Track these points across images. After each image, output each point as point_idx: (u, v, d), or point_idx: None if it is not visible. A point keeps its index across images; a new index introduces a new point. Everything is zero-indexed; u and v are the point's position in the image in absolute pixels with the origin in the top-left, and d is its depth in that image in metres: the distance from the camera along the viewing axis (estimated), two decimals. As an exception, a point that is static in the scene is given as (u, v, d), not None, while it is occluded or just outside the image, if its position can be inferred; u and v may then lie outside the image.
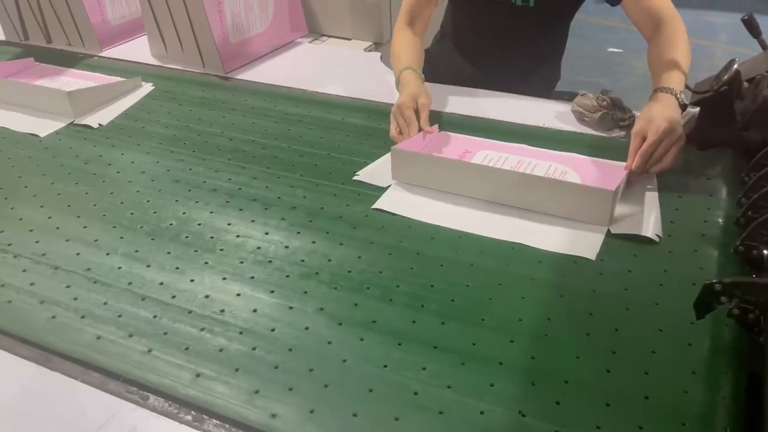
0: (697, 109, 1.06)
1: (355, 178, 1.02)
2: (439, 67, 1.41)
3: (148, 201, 0.98)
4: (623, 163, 0.97)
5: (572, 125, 1.14)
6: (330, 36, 1.67)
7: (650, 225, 0.88)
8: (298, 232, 0.90)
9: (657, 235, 0.86)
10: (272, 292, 0.80)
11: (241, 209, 0.95)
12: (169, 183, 1.02)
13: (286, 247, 0.88)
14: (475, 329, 0.74)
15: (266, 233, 0.90)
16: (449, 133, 1.12)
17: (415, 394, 0.66)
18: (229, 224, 0.92)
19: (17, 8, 1.59)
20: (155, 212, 0.95)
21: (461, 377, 0.68)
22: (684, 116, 1.01)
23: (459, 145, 1.08)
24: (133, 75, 1.37)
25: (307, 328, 0.75)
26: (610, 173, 0.97)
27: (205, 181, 1.02)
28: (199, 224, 0.92)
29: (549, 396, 0.65)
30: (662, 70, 1.04)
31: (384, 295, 0.79)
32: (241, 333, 0.74)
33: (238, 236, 0.89)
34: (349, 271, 0.83)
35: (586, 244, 0.86)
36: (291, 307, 0.78)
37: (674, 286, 0.78)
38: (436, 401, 0.65)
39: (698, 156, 1.02)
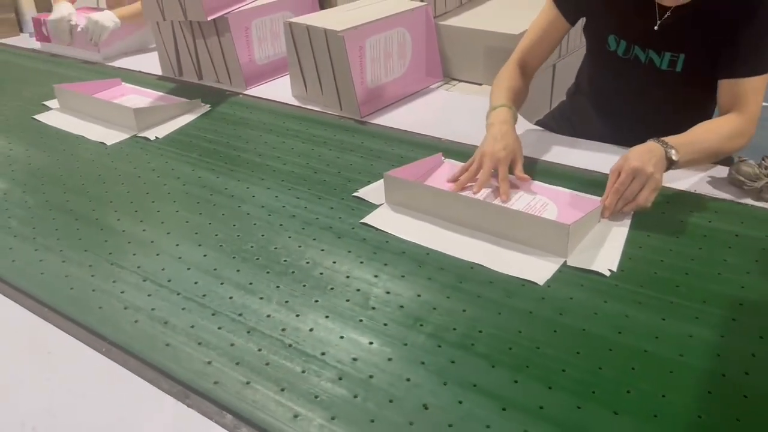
0: None
1: (355, 194, 1.14)
2: (574, 122, 1.42)
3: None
4: (594, 198, 1.02)
5: (729, 193, 1.08)
6: (461, 80, 1.71)
7: (604, 260, 0.92)
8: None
9: (609, 270, 0.90)
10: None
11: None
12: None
13: (276, 248, 1.00)
14: (408, 331, 0.82)
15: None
16: (453, 162, 1.21)
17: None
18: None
19: (175, 47, 1.76)
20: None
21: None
22: None
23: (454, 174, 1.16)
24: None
25: (269, 316, 0.86)
26: (585, 208, 1.02)
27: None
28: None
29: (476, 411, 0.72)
30: (682, 134, 1.06)
31: (342, 293, 0.89)
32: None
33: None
34: (321, 273, 0.94)
35: (538, 270, 0.91)
36: (261, 298, 0.90)
37: (609, 315, 0.83)
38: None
39: None
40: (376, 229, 1.04)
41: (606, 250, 0.95)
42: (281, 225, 1.06)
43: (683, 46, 1.15)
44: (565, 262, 0.93)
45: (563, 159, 1.22)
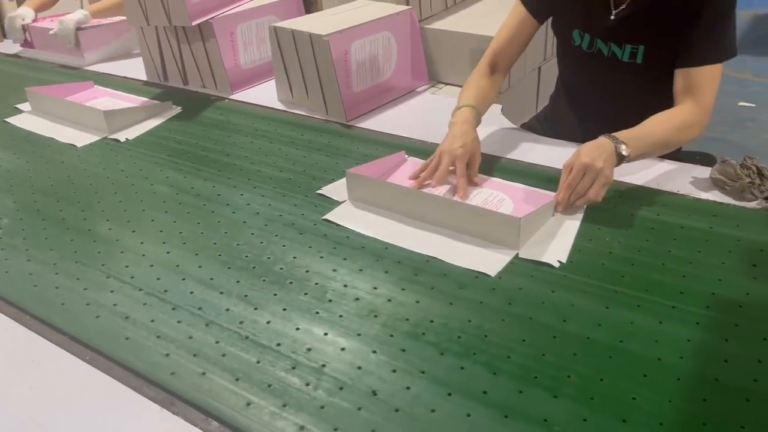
0: None
1: (319, 191, 1.16)
2: (555, 123, 1.45)
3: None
4: (548, 193, 1.06)
5: (711, 194, 1.09)
6: (447, 83, 1.72)
7: (555, 252, 0.95)
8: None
9: (559, 261, 0.94)
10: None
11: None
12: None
13: (238, 244, 1.03)
14: (362, 322, 0.85)
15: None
16: (416, 159, 1.24)
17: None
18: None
19: (160, 52, 1.75)
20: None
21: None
22: None
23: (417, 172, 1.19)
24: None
25: (228, 309, 0.88)
26: (539, 203, 1.05)
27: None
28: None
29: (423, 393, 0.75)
30: (634, 128, 1.08)
31: (300, 287, 0.92)
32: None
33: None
34: (281, 268, 0.96)
35: (490, 262, 0.94)
36: (222, 292, 0.92)
37: (555, 304, 0.86)
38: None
39: None
40: (338, 225, 1.06)
41: (557, 243, 0.98)
42: (245, 222, 1.09)
43: (642, 38, 1.18)
44: (518, 254, 0.96)
45: (523, 156, 1.26)
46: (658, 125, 1.11)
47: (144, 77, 1.84)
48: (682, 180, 1.13)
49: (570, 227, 1.01)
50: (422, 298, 0.89)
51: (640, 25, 1.17)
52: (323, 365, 0.78)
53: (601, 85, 1.29)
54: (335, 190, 1.16)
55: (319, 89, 1.49)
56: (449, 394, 0.73)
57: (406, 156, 1.24)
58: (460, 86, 1.64)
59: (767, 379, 0.72)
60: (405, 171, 1.20)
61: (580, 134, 1.30)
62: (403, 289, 0.91)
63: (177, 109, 1.58)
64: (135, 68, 1.88)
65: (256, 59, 1.75)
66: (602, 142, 1.05)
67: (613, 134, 1.06)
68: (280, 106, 1.58)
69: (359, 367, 0.78)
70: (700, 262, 0.92)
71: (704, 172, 1.14)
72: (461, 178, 1.11)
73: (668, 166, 1.18)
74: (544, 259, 0.94)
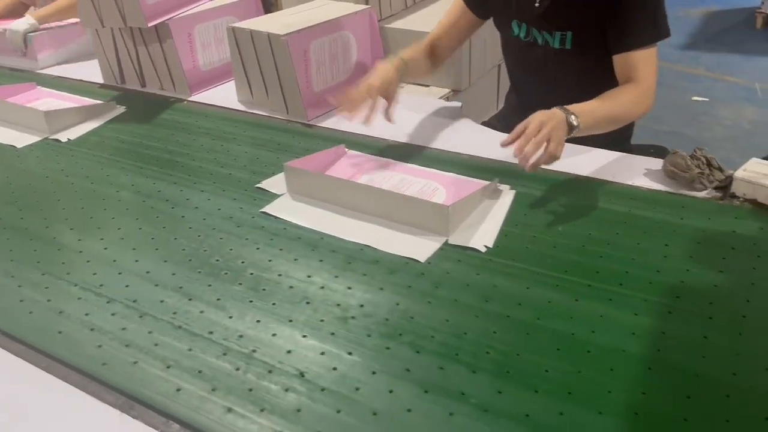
0: None
1: (258, 185, 1.18)
2: (511, 121, 1.45)
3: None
4: (486, 182, 1.10)
5: (663, 184, 1.11)
6: (409, 83, 1.72)
7: (482, 237, 0.99)
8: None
9: (485, 246, 0.98)
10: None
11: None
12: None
13: (176, 238, 1.04)
14: (294, 309, 0.88)
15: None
16: (359, 153, 1.27)
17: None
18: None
19: (116, 54, 1.72)
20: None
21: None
22: None
23: (356, 164, 1.23)
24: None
25: (162, 301, 0.90)
26: (470, 191, 1.09)
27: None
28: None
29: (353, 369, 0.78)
30: (584, 103, 1.12)
31: (235, 278, 0.94)
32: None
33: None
34: (217, 260, 0.98)
35: (421, 249, 0.98)
36: (157, 285, 0.93)
37: (479, 285, 0.90)
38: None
39: None
40: (276, 217, 1.09)
41: (485, 229, 1.02)
42: (183, 216, 1.10)
43: (568, 24, 1.24)
44: (447, 240, 1.00)
45: (467, 149, 1.28)
46: (606, 101, 1.16)
47: (101, 80, 1.81)
48: (635, 172, 1.16)
49: (498, 213, 1.06)
50: (354, 285, 0.92)
51: (564, 11, 1.23)
52: (254, 350, 0.81)
53: (541, 75, 1.34)
54: (274, 183, 1.19)
55: (279, 89, 1.49)
56: (374, 373, 0.76)
57: (346, 149, 1.28)
58: (421, 85, 1.69)
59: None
60: (344, 164, 1.23)
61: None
62: (336, 276, 0.94)
63: (121, 109, 1.58)
64: (92, 71, 1.85)
65: (215, 60, 1.73)
66: (554, 111, 1.08)
67: (564, 106, 1.10)
68: (240, 107, 1.57)
69: (289, 351, 0.80)
70: (637, 247, 0.96)
71: (657, 164, 1.17)
72: (372, 111, 1.17)
73: (622, 158, 1.21)
74: (471, 244, 0.98)
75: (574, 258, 0.94)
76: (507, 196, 1.10)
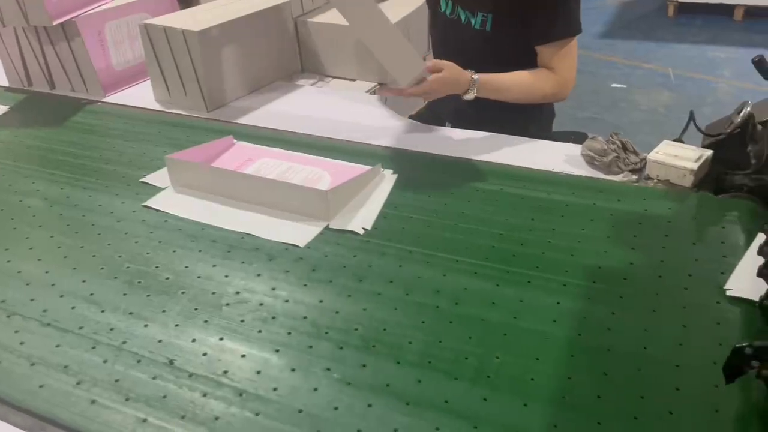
0: (710, 152, 1.06)
1: (142, 180, 1.17)
2: (435, 108, 1.50)
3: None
4: (367, 167, 1.13)
5: (582, 169, 1.14)
6: (334, 77, 1.71)
7: (361, 221, 1.02)
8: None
9: (364, 228, 1.01)
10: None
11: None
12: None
13: (52, 236, 1.02)
14: (169, 299, 0.88)
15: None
16: (245, 143, 1.27)
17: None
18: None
19: (21, 55, 1.61)
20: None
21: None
22: (698, 159, 1.05)
23: (244, 154, 1.23)
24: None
25: (33, 300, 0.88)
26: (353, 176, 1.11)
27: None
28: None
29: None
30: (498, 78, 1.23)
31: (111, 272, 0.93)
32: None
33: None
34: (94, 255, 0.97)
35: (301, 234, 1.00)
36: (29, 284, 0.92)
37: (355, 266, 0.93)
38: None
39: (714, 201, 1.03)
40: (157, 210, 1.08)
41: (364, 212, 1.05)
42: (61, 215, 1.08)
43: (490, 6, 1.27)
44: (329, 225, 1.02)
45: (345, 136, 1.32)
46: (519, 84, 1.23)
47: (6, 83, 1.70)
48: (556, 158, 1.18)
49: (378, 197, 1.09)
50: (231, 273, 0.93)
51: None
52: (124, 342, 0.81)
53: (461, 55, 1.28)
54: (159, 177, 1.18)
55: (197, 87, 1.44)
56: (243, 356, 0.78)
57: (234, 140, 1.28)
58: (347, 79, 1.66)
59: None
60: (232, 154, 1.23)
61: (452, 112, 1.39)
62: (214, 266, 0.95)
63: (4, 108, 1.52)
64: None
65: (129, 59, 1.64)
66: (461, 80, 1.17)
67: (476, 77, 1.19)
68: (157, 106, 1.51)
69: (160, 341, 0.81)
70: (553, 232, 0.98)
71: (577, 150, 1.19)
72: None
73: (544, 145, 1.24)
74: (350, 228, 1.01)
75: (447, 235, 0.98)
76: (389, 180, 1.13)
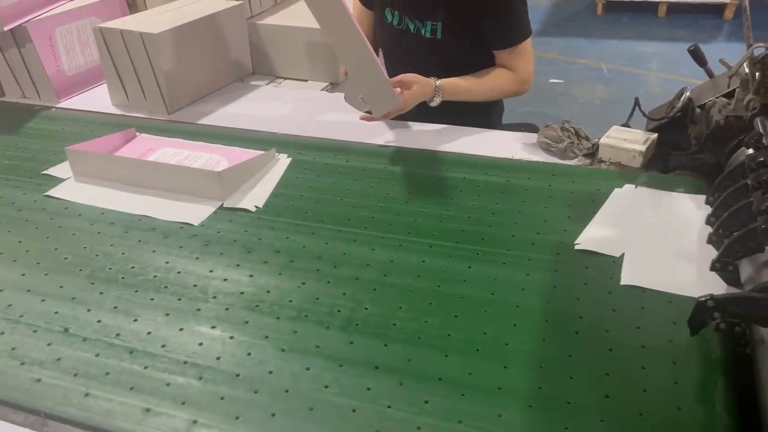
0: (656, 135, 1.15)
1: (44, 172, 1.22)
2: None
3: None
4: (259, 152, 1.21)
5: (539, 156, 1.22)
6: (287, 78, 1.74)
7: (254, 199, 1.11)
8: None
9: (256, 206, 1.09)
10: None
11: None
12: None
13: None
14: (71, 277, 0.94)
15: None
16: (147, 135, 1.33)
17: None
18: None
19: None
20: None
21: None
22: (645, 141, 1.14)
23: (145, 145, 1.29)
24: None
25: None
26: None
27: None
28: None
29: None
30: (463, 82, 1.30)
31: (7, 258, 0.98)
32: None
33: None
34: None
35: (196, 213, 1.07)
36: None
37: (245, 240, 1.01)
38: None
39: (662, 178, 1.12)
40: (58, 199, 1.13)
41: (257, 192, 1.13)
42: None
43: (438, 15, 1.32)
44: (223, 204, 1.10)
45: (245, 125, 1.40)
46: (482, 85, 1.32)
47: None
48: (514, 146, 1.25)
49: (272, 178, 1.17)
50: (129, 251, 0.99)
51: (434, 2, 1.31)
52: (21, 316, 0.86)
53: (412, 64, 1.31)
54: (61, 169, 1.22)
55: (157, 90, 1.45)
56: (135, 320, 0.85)
57: (137, 133, 1.33)
58: (300, 80, 1.70)
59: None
60: (134, 146, 1.29)
61: (408, 115, 1.40)
62: (111, 245, 1.01)
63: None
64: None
65: (81, 64, 1.63)
66: (427, 90, 1.25)
67: (438, 83, 1.26)
68: (115, 110, 1.52)
69: (56, 312, 0.87)
70: (519, 213, 1.05)
71: (532, 138, 1.27)
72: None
73: (502, 135, 1.33)
74: (242, 206, 1.09)
75: (347, 211, 1.07)
76: (283, 163, 1.22)
